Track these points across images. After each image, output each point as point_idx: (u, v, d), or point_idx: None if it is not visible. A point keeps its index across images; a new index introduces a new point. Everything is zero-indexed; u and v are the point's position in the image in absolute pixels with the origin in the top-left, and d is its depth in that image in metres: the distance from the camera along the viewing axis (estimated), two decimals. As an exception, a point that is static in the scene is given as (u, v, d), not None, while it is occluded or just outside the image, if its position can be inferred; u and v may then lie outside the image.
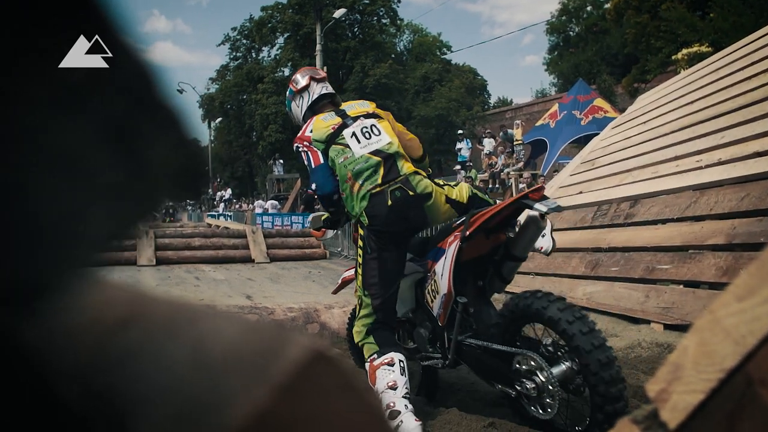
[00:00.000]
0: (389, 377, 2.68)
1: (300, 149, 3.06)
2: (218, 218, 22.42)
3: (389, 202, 2.78)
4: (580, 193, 6.70)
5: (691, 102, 6.34)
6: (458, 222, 2.72)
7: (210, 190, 38.87)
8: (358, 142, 2.92)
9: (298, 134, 3.10)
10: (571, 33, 36.84)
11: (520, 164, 17.23)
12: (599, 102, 19.64)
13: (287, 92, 3.34)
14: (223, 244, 11.31)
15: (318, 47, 23.35)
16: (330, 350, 0.31)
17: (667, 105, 7.03)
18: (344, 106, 3.16)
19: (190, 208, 40.55)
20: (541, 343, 2.53)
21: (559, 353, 2.43)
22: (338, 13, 25.52)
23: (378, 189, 2.82)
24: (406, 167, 2.90)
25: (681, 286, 4.25)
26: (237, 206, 32.42)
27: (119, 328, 0.32)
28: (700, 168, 5.00)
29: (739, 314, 0.58)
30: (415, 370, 3.20)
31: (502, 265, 2.80)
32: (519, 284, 4.63)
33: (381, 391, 2.65)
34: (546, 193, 2.64)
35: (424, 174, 2.96)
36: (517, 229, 2.77)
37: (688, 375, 0.62)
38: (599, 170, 6.91)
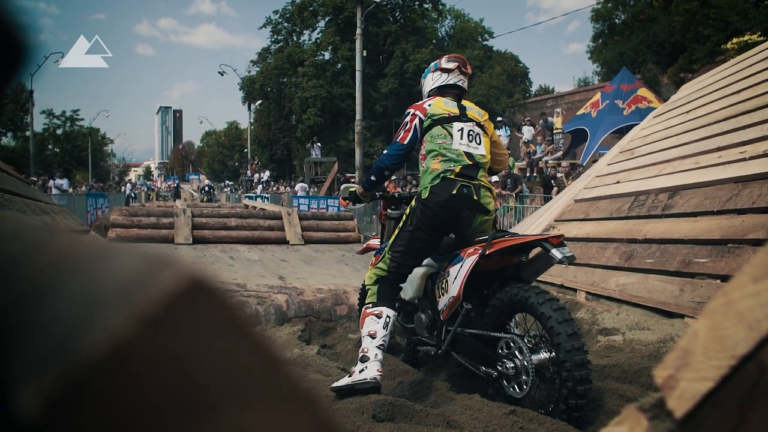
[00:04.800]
0: (373, 327, 3.07)
1: (410, 113, 3.33)
2: (256, 200, 22.67)
3: (454, 191, 3.07)
4: (618, 182, 6.55)
5: (738, 91, 6.12)
6: (481, 238, 3.03)
7: (249, 172, 39.32)
8: (461, 138, 3.22)
9: (418, 103, 3.40)
10: (616, 20, 35.87)
11: (559, 153, 16.96)
12: (643, 92, 19.17)
13: (432, 64, 3.60)
14: (258, 225, 11.41)
15: (358, 31, 23.22)
16: (212, 280, 0.28)
17: (712, 94, 6.79)
18: (465, 103, 3.42)
19: (228, 189, 41.16)
20: (527, 334, 2.92)
21: (540, 344, 2.79)
22: (379, -3, 25.33)
23: (452, 176, 3.11)
24: (484, 179, 3.21)
25: (718, 281, 4.12)
26: (275, 188, 32.72)
27: (47, 268, 0.30)
28: (744, 159, 4.84)
29: (755, 297, 0.54)
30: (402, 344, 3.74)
31: (509, 283, 3.10)
32: (551, 272, 4.55)
33: (362, 336, 3.07)
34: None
35: (494, 195, 3.28)
36: (530, 256, 3.13)
37: (697, 361, 0.58)
38: (638, 160, 6.74)
